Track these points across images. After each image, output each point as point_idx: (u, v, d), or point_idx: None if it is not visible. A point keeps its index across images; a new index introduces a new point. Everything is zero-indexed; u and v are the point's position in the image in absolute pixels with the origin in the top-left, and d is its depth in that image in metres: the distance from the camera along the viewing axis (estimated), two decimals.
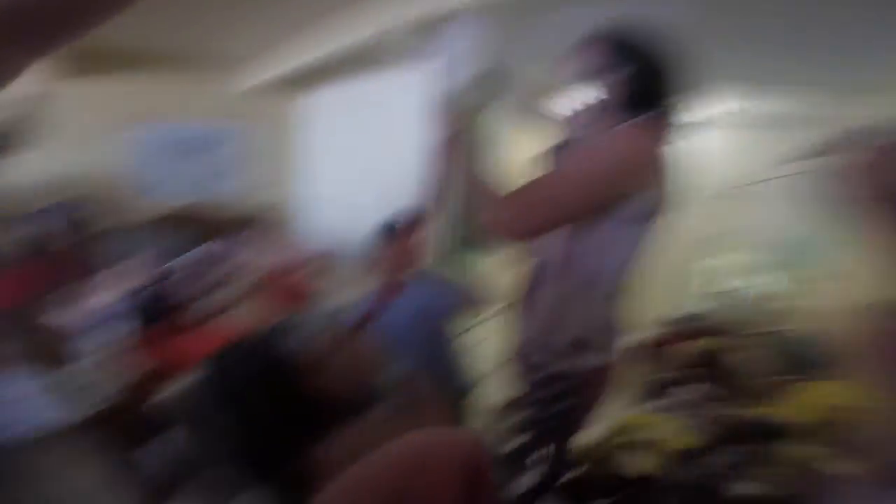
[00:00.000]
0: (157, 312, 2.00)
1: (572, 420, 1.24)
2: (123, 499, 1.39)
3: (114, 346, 1.88)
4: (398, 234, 1.46)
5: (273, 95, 3.52)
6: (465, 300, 1.36)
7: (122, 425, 1.40)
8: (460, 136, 0.88)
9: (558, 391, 1.16)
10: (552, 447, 1.38)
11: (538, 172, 1.01)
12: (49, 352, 1.18)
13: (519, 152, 2.95)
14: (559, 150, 1.05)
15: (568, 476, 1.58)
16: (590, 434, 1.38)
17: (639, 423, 1.29)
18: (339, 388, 0.87)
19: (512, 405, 1.46)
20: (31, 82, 2.37)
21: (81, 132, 2.87)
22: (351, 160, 3.18)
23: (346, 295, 2.77)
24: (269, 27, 2.51)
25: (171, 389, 1.70)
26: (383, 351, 0.98)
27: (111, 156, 2.99)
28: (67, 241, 1.14)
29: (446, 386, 1.61)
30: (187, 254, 2.84)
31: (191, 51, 3.02)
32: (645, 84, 0.94)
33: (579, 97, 0.99)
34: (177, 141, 3.21)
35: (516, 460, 1.84)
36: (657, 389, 1.90)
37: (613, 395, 1.25)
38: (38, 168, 2.68)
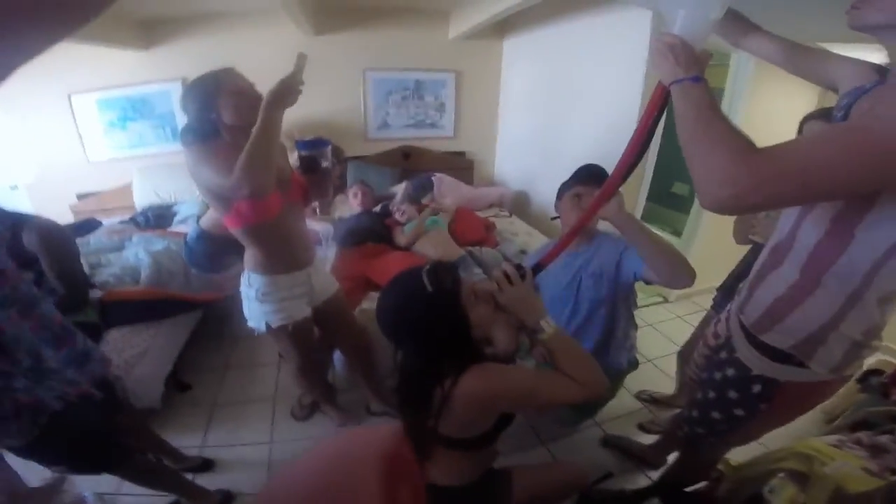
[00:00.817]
0: (370, 233, 2.43)
1: (747, 428, 1.07)
2: None
3: (335, 257, 2.38)
4: (595, 183, 1.35)
5: (483, 41, 3.63)
6: (655, 268, 1.21)
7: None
8: (697, 80, 0.76)
9: (751, 395, 1.00)
10: (699, 449, 1.21)
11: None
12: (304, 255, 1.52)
13: (769, 105, 2.39)
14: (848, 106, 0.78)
15: (700, 486, 1.37)
16: (751, 447, 1.20)
17: (820, 452, 1.02)
18: (489, 325, 0.94)
19: (686, 395, 1.31)
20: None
21: (326, 79, 3.44)
22: (552, 105, 3.08)
23: (530, 238, 2.85)
24: None
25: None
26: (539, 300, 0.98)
27: (349, 99, 3.59)
28: (328, 165, 1.44)
29: (609, 355, 1.53)
30: (402, 184, 3.37)
31: (412, 4, 3.30)
32: None
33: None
34: (400, 86, 3.65)
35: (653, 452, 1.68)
36: (862, 422, 1.53)
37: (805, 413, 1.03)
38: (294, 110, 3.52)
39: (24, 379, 1.02)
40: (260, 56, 3.17)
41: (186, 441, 1.85)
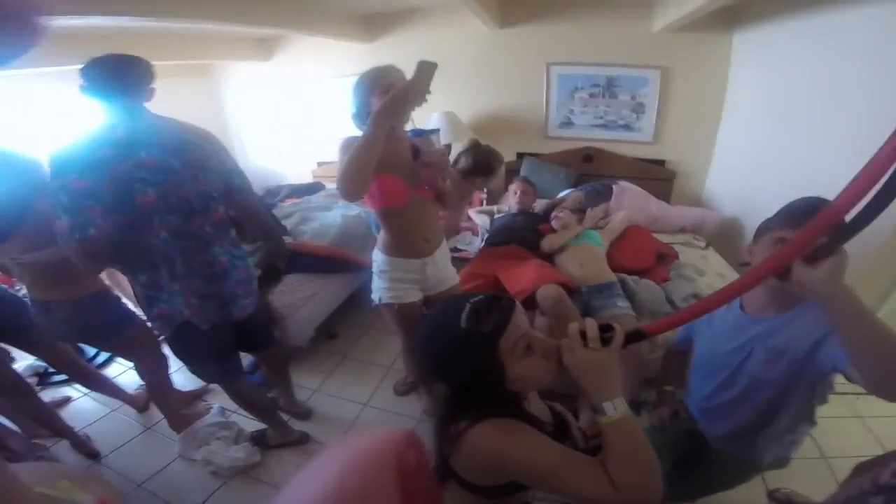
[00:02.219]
0: (517, 235, 2.30)
1: None
2: None
3: (478, 252, 2.35)
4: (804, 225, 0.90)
5: (703, 34, 2.93)
6: (863, 369, 0.77)
7: None
8: None
9: None
10: None
11: None
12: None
13: None
14: None
15: None
16: None
17: None
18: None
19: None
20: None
21: (507, 73, 3.41)
22: (794, 117, 2.27)
23: (720, 281, 2.23)
24: None
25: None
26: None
27: (531, 94, 3.42)
28: (435, 155, 1.43)
29: (753, 443, 1.16)
30: (571, 190, 3.08)
31: None
32: None
33: None
34: (589, 81, 3.28)
35: None
36: None
37: None
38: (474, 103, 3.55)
39: (166, 293, 1.36)
40: (453, 48, 3.42)
41: (308, 382, 2.23)
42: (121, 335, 1.71)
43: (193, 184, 1.34)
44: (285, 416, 1.95)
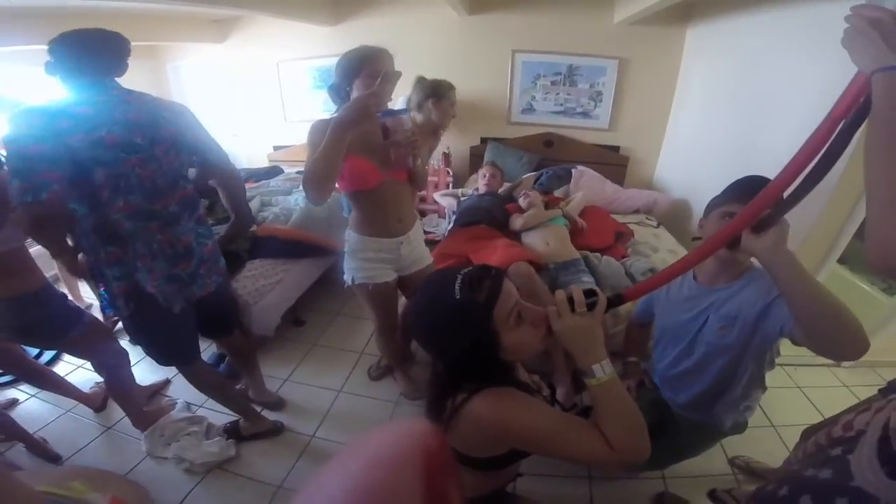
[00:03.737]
0: (486, 214, 2.35)
1: None
2: None
3: (448, 233, 2.38)
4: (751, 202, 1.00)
5: (659, 28, 3.10)
6: (808, 330, 0.87)
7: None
8: None
9: None
10: None
11: None
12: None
13: None
14: None
15: None
16: None
17: None
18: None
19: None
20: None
21: (473, 59, 3.45)
22: (741, 107, 2.47)
23: (672, 256, 2.40)
24: None
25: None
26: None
27: (496, 80, 3.49)
28: (402, 136, 1.44)
29: (713, 410, 1.25)
30: (534, 173, 3.18)
31: None
32: None
33: None
34: (550, 69, 3.38)
35: None
36: None
37: None
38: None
39: (127, 269, 1.31)
40: (421, 33, 3.41)
41: (277, 372, 2.15)
42: (65, 334, 1.56)
43: (158, 163, 1.28)
44: (258, 408, 1.88)
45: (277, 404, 1.98)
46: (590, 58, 3.27)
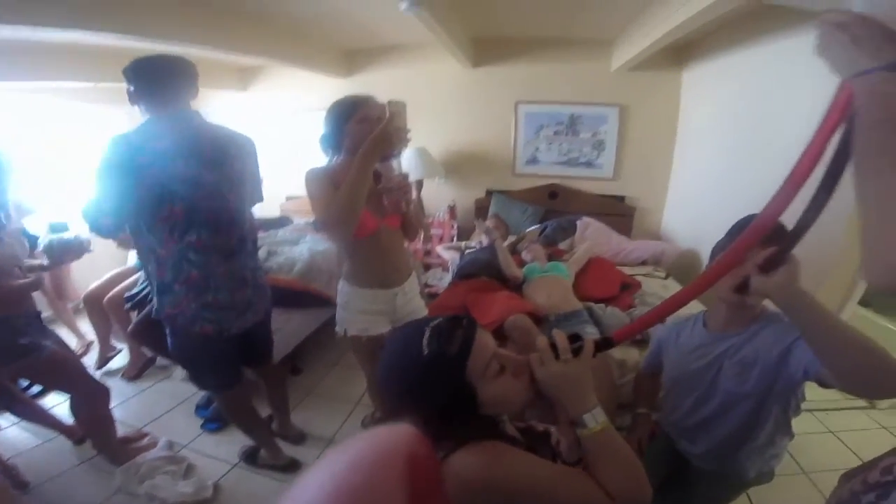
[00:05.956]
0: (487, 267, 2.33)
1: None
2: None
3: (448, 285, 2.36)
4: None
5: (656, 72, 3.21)
6: (835, 370, 0.81)
7: None
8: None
9: None
10: None
11: None
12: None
13: None
14: None
15: None
16: None
17: None
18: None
19: None
20: None
21: (478, 111, 3.58)
22: (742, 149, 2.46)
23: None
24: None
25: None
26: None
27: (500, 132, 3.59)
28: (396, 181, 1.46)
29: (736, 458, 1.16)
30: (536, 226, 3.18)
31: (567, 35, 3.15)
32: None
33: None
34: (553, 120, 3.48)
35: None
36: None
37: None
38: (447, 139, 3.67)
39: (185, 298, 1.38)
40: (428, 86, 3.56)
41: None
42: (13, 363, 1.54)
43: (225, 199, 1.38)
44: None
45: (300, 437, 2.00)
46: (591, 106, 3.36)
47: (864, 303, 2.00)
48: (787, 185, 0.66)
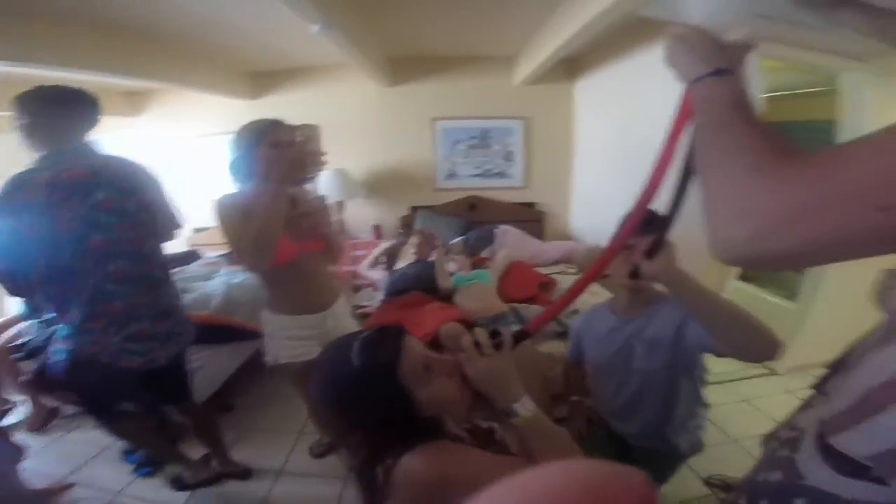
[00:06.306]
0: (417, 281, 2.40)
1: None
2: None
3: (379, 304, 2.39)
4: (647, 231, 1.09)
5: (552, 85, 3.54)
6: (722, 339, 0.97)
7: None
8: (720, 74, 0.57)
9: None
10: None
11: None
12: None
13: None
14: None
15: None
16: None
17: None
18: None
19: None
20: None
21: (397, 129, 3.65)
22: (630, 149, 2.80)
23: (595, 299, 2.56)
24: (537, 12, 2.45)
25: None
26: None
27: (419, 148, 3.72)
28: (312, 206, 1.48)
29: (665, 436, 1.27)
30: (460, 237, 3.34)
31: (476, 52, 3.36)
32: None
33: None
34: (467, 135, 3.68)
35: None
36: None
37: None
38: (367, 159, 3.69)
39: (95, 333, 1.31)
40: (343, 106, 3.52)
41: None
42: None
43: (144, 228, 1.33)
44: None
45: (245, 473, 1.89)
46: (499, 120, 3.63)
47: (745, 278, 2.34)
48: (649, 181, 0.78)
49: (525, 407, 0.76)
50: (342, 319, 1.63)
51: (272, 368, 1.55)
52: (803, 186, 0.39)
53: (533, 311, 2.26)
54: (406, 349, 0.76)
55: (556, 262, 3.29)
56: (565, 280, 2.86)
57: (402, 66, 3.47)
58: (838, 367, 0.75)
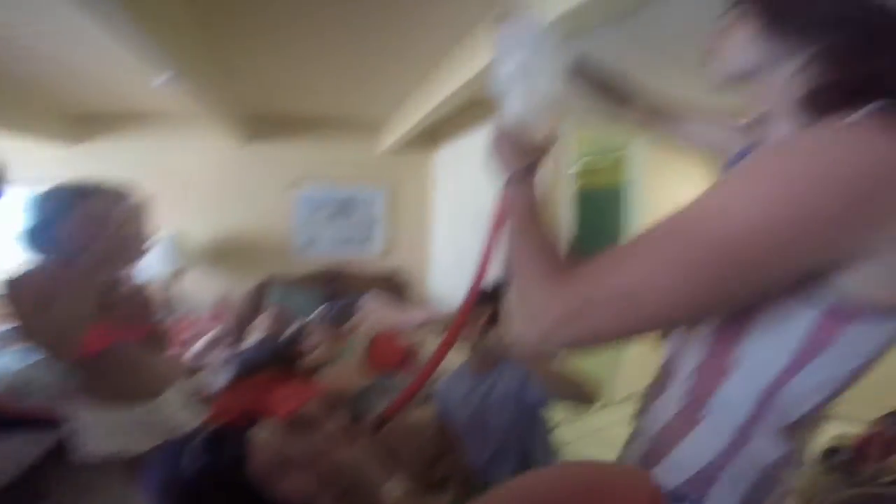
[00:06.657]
0: (271, 360, 2.24)
1: None
2: None
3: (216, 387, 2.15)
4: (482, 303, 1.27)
5: (414, 155, 3.79)
6: (562, 391, 1.15)
7: None
8: (520, 176, 0.63)
9: None
10: None
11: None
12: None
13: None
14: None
15: None
16: None
17: None
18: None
19: None
20: None
21: (251, 193, 3.44)
22: (479, 218, 3.14)
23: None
24: (404, 83, 2.58)
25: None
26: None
27: (275, 215, 3.54)
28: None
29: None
30: (318, 310, 3.22)
31: (340, 116, 3.43)
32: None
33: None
34: (327, 201, 3.65)
35: None
36: None
37: None
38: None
39: None
40: (186, 159, 3.19)
41: None
42: None
43: None
44: None
45: None
46: (362, 188, 3.69)
47: None
48: (480, 263, 0.89)
49: (396, 486, 0.78)
50: (178, 408, 1.42)
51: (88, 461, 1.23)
52: (570, 296, 0.50)
53: (399, 381, 2.28)
54: (256, 447, 0.73)
55: (421, 326, 3.40)
56: (430, 343, 2.97)
57: (262, 123, 3.32)
58: (646, 400, 0.94)
